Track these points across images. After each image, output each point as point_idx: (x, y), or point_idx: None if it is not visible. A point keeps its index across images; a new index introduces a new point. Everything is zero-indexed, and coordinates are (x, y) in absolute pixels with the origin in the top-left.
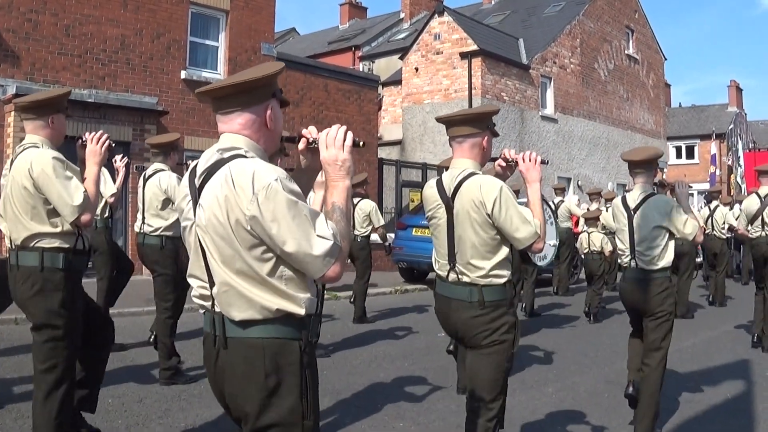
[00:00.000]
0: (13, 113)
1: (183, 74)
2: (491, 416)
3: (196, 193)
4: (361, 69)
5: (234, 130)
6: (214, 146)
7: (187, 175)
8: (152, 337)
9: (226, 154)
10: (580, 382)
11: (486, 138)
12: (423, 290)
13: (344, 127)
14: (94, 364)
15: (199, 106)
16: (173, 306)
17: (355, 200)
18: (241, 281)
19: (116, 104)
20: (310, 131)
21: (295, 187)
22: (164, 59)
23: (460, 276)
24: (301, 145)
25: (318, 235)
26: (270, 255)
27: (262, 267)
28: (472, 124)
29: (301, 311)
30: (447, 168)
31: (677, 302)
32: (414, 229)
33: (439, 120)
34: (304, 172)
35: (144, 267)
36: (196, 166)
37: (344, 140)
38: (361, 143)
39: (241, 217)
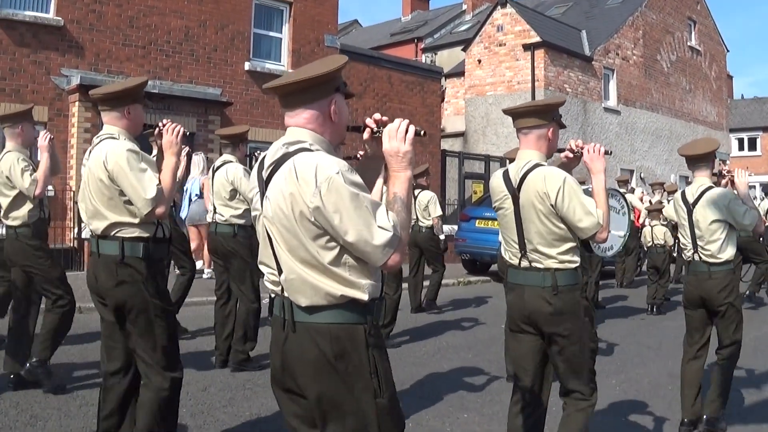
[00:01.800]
0: (77, 103)
1: (247, 65)
2: (588, 407)
3: (263, 185)
4: (423, 61)
5: (299, 124)
6: (281, 140)
7: (256, 166)
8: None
9: (292, 148)
10: (643, 374)
11: (552, 129)
12: (486, 282)
13: (406, 121)
14: None
15: (263, 98)
16: (254, 291)
17: (416, 191)
18: (306, 269)
19: (180, 95)
20: (374, 119)
21: (357, 179)
22: (228, 51)
23: (532, 262)
24: (366, 135)
25: (379, 226)
26: (333, 244)
27: (326, 256)
28: (538, 115)
29: (365, 297)
30: (511, 159)
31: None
32: (477, 221)
33: (505, 112)
34: (371, 160)
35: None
36: (264, 158)
37: (406, 132)
38: (422, 132)
39: (305, 209)
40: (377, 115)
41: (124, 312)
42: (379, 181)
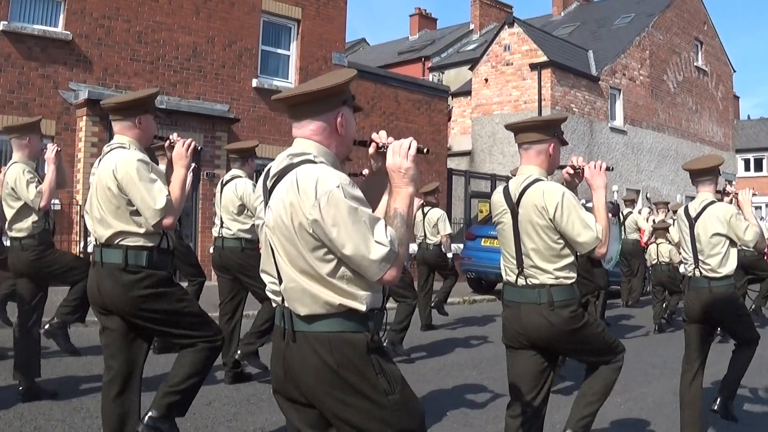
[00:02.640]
0: (85, 118)
1: (254, 82)
2: (618, 366)
3: (267, 194)
4: (430, 80)
5: (306, 136)
6: (287, 150)
7: (262, 176)
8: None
9: (296, 159)
10: (647, 393)
11: (553, 145)
12: (491, 300)
13: (410, 138)
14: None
15: (270, 115)
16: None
17: (426, 209)
18: (305, 279)
19: (188, 111)
20: (380, 136)
21: (357, 193)
22: (236, 67)
23: (528, 279)
24: (371, 150)
25: (376, 241)
26: (331, 257)
27: (323, 268)
28: (539, 130)
29: (363, 307)
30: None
31: None
32: (483, 240)
33: (507, 127)
34: (377, 176)
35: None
36: (270, 168)
37: (408, 149)
38: (426, 150)
39: (304, 220)
40: (383, 133)
41: (131, 317)
42: (385, 196)
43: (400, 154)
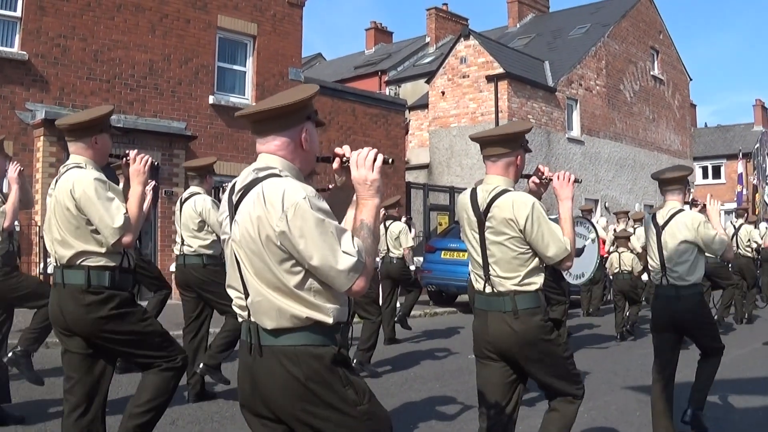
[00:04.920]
0: (42, 138)
1: (211, 99)
2: (576, 407)
3: (233, 209)
4: (387, 93)
5: (270, 151)
6: (252, 165)
7: (227, 191)
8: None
9: (261, 174)
10: (611, 401)
11: (519, 156)
12: (452, 313)
13: (374, 149)
14: None
15: (228, 131)
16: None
17: (387, 222)
18: (272, 292)
19: (145, 129)
20: (344, 150)
21: (324, 205)
22: (192, 84)
23: (495, 287)
24: (335, 165)
25: (343, 251)
26: (299, 269)
27: (291, 280)
28: (506, 144)
29: (329, 320)
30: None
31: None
32: (442, 252)
33: (473, 138)
34: (341, 191)
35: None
36: (235, 183)
37: (374, 161)
38: (390, 160)
39: (271, 232)
40: (347, 147)
41: (94, 339)
42: (350, 211)
43: (365, 166)
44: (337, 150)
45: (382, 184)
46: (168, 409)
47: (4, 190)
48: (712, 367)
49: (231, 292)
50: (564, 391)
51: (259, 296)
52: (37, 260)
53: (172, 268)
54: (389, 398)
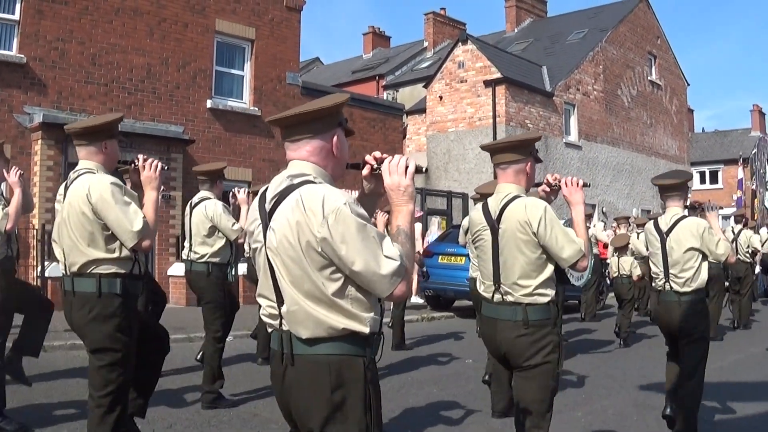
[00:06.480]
0: (40, 141)
1: (209, 103)
2: None
3: (266, 216)
4: (385, 98)
5: (302, 157)
6: (284, 172)
7: (257, 199)
8: (200, 355)
9: (296, 180)
10: (608, 406)
11: (529, 164)
12: (449, 317)
13: (407, 156)
14: (148, 371)
15: (225, 135)
16: (221, 332)
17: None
18: (309, 302)
19: (142, 133)
20: (374, 156)
21: (362, 211)
22: (190, 88)
23: (504, 296)
24: (365, 171)
25: (385, 256)
26: (338, 275)
27: (330, 287)
28: (515, 151)
29: (366, 330)
30: (483, 194)
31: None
32: (440, 257)
33: (483, 148)
34: (368, 197)
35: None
36: (266, 191)
37: (406, 167)
38: (424, 169)
39: (312, 239)
40: (377, 153)
41: (98, 347)
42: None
43: (398, 172)
44: (367, 157)
45: (414, 190)
46: (165, 412)
47: (5, 194)
48: (692, 407)
49: (262, 301)
50: (528, 415)
51: (294, 305)
52: (35, 263)
53: (170, 271)
54: (387, 403)
